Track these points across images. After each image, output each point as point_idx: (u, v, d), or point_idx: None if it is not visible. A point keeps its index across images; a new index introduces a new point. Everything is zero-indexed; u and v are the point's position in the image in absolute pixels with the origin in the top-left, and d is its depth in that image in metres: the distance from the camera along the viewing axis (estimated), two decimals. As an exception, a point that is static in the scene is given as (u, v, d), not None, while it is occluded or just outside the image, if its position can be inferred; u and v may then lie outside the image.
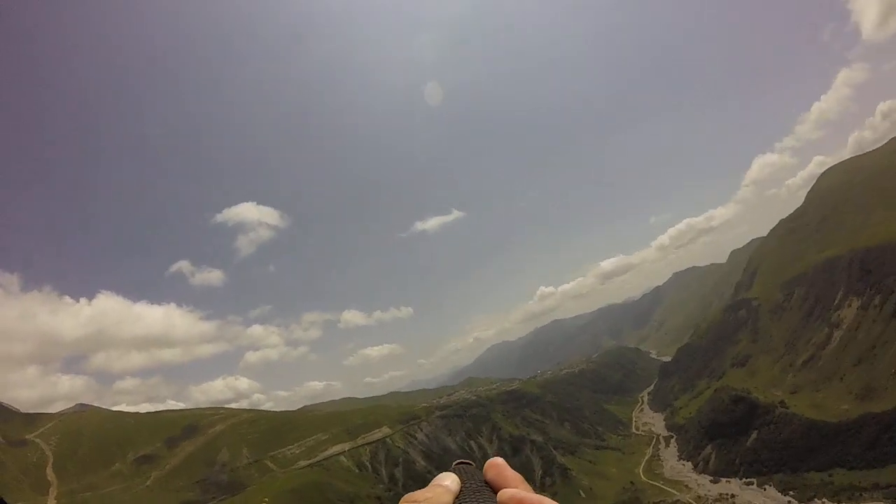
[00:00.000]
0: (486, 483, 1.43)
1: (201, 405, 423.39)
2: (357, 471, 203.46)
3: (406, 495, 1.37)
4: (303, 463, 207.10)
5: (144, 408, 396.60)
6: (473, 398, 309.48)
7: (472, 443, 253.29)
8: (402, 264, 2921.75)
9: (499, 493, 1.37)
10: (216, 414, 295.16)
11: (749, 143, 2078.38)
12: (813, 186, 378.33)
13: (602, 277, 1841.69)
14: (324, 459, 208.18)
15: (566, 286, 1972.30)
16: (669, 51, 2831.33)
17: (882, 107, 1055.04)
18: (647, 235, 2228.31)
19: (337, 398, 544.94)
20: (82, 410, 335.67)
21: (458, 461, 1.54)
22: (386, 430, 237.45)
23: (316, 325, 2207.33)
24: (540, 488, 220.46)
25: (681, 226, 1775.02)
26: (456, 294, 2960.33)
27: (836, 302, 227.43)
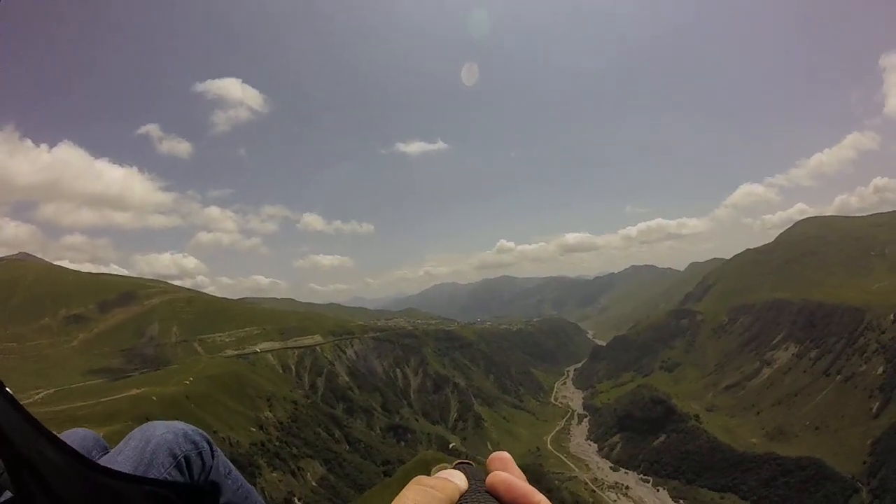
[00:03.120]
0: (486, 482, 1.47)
1: (144, 276, 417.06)
2: (281, 371, 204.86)
3: (417, 477, 1.43)
4: (230, 352, 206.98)
5: (87, 268, 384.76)
6: (410, 328, 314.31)
7: (398, 370, 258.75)
8: (375, 180, 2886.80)
9: (489, 476, 1.41)
10: (156, 287, 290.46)
11: (743, 167, 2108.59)
12: (788, 229, 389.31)
13: (563, 249, 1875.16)
14: (251, 353, 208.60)
15: (527, 247, 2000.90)
16: (703, 52, 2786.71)
17: (877, 181, 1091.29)
18: (618, 222, 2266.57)
19: (279, 297, 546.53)
20: (23, 259, 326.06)
21: (459, 461, 1.57)
22: (318, 338, 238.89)
23: (275, 219, 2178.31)
24: (451, 430, 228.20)
25: (652, 223, 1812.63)
26: (420, 224, 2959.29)
27: (775, 342, 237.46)
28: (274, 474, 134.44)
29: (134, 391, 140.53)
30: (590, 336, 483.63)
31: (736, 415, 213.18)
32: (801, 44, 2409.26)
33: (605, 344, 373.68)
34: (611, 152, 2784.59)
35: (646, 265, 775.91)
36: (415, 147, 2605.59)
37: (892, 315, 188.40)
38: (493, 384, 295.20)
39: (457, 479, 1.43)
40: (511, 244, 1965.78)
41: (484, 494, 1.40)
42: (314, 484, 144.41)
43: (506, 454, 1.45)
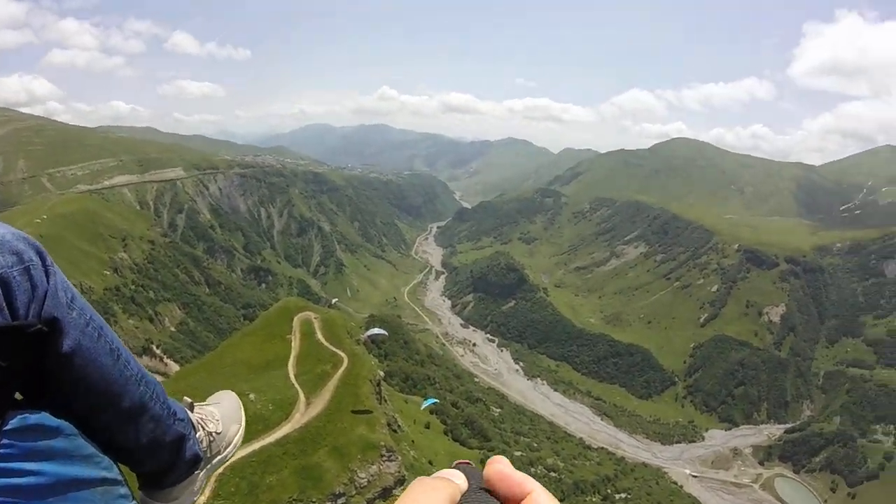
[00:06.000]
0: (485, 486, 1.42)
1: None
2: (138, 208, 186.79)
3: (418, 478, 1.36)
4: (82, 187, 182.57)
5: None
6: (278, 167, 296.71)
7: (262, 210, 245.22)
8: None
9: (485, 469, 1.40)
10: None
11: (640, 73, 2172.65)
12: (664, 142, 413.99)
13: (445, 107, 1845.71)
14: (106, 188, 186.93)
15: (409, 98, 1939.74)
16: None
17: (756, 128, 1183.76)
18: (507, 92, 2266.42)
19: (139, 126, 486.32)
20: None
21: (459, 462, 1.56)
22: (180, 172, 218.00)
23: (141, 37, 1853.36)
24: (312, 274, 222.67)
25: (539, 101, 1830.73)
26: (302, 55, 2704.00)
27: (628, 238, 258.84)
28: (130, 321, 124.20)
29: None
30: (457, 197, 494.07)
31: (580, 294, 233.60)
32: None
33: (470, 207, 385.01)
34: (517, 16, 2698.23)
35: (523, 140, 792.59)
36: None
37: (735, 245, 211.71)
38: (358, 232, 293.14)
39: (457, 479, 1.41)
40: (394, 92, 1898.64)
41: (482, 493, 1.40)
42: (173, 329, 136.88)
43: (503, 458, 1.46)
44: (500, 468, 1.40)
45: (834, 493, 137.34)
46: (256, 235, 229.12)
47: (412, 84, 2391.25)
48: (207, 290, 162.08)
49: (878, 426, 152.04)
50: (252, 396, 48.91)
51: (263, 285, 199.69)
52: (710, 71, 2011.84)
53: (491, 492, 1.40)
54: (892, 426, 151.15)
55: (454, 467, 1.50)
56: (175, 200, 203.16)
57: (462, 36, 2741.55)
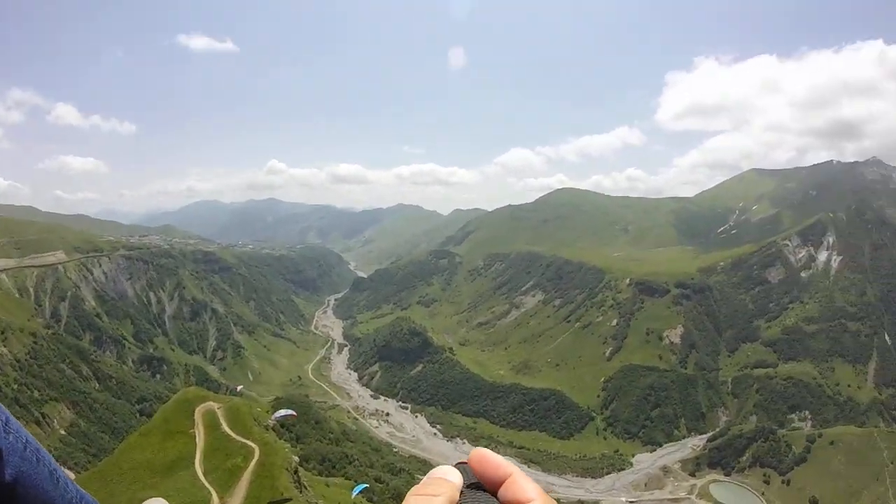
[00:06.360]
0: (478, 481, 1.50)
1: None
2: (17, 295, 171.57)
3: (412, 489, 1.43)
4: None
5: None
6: (166, 247, 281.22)
7: (151, 294, 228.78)
8: (147, 74, 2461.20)
9: (469, 455, 1.49)
10: None
11: (519, 133, 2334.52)
12: (548, 194, 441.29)
13: (335, 178, 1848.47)
14: None
15: (298, 170, 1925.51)
16: (514, 27, 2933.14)
17: (631, 171, 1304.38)
18: (394, 160, 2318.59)
19: (18, 204, 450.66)
20: None
21: (458, 462, 1.61)
22: (61, 255, 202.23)
23: (23, 107, 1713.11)
24: (209, 360, 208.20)
25: (426, 166, 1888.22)
26: (190, 131, 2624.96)
27: (525, 288, 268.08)
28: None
29: None
30: (352, 267, 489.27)
31: (486, 349, 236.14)
32: (606, 42, 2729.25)
33: (366, 276, 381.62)
34: (400, 92, 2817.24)
35: (413, 205, 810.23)
36: (199, 43, 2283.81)
37: (627, 279, 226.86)
38: (254, 311, 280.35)
39: (451, 476, 1.44)
40: (283, 165, 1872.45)
41: (472, 491, 1.45)
42: (63, 433, 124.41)
43: (485, 448, 1.54)
44: (481, 452, 1.49)
45: (768, 484, 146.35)
46: (147, 322, 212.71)
47: (301, 157, 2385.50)
48: (98, 385, 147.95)
49: (793, 415, 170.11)
50: None
51: (158, 376, 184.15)
52: (585, 124, 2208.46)
53: (484, 488, 1.46)
54: (806, 411, 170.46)
55: (455, 466, 1.54)
56: (57, 287, 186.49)
57: (348, 107, 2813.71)
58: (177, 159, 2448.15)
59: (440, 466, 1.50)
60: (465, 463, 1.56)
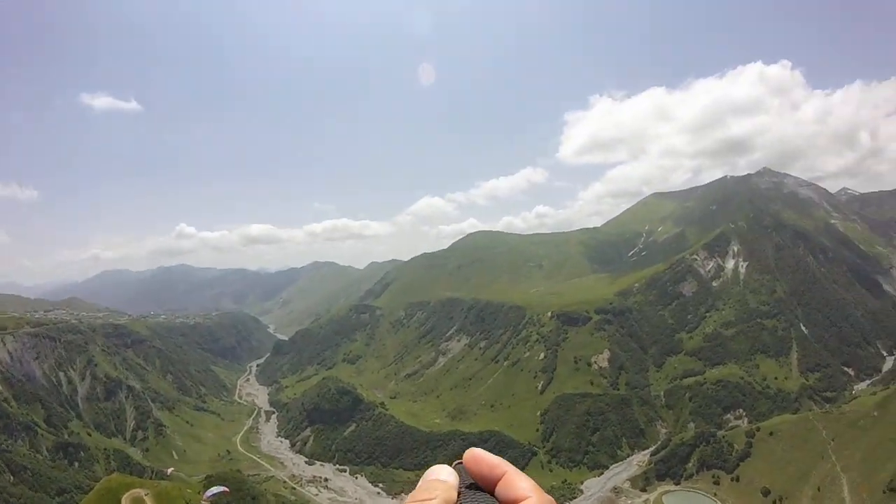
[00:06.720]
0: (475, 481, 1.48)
1: None
2: None
3: (409, 496, 1.41)
4: None
5: None
6: (74, 322, 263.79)
7: (61, 374, 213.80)
8: (48, 135, 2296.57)
9: (464, 455, 1.44)
10: None
11: (427, 182, 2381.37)
12: (461, 238, 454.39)
13: (246, 240, 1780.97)
14: None
15: (209, 234, 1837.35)
16: (412, 71, 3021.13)
17: (539, 208, 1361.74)
18: (304, 218, 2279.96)
19: None
20: None
21: (457, 462, 1.59)
22: None
23: None
24: (130, 442, 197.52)
25: (339, 222, 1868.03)
26: (94, 196, 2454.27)
27: (449, 334, 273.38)
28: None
29: None
30: (271, 330, 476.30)
31: (418, 399, 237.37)
32: (505, 89, 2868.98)
33: (287, 338, 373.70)
34: (308, 150, 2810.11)
35: (327, 262, 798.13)
36: (102, 102, 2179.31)
37: (548, 313, 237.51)
38: (172, 385, 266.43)
39: (445, 476, 1.44)
40: (192, 229, 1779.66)
41: (471, 491, 1.45)
42: None
43: (479, 449, 1.52)
44: (475, 452, 1.61)
45: (718, 485, 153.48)
46: (58, 405, 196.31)
47: (210, 219, 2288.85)
48: (12, 478, 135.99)
49: (728, 415, 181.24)
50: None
51: (76, 464, 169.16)
52: (491, 168, 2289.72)
53: (482, 488, 1.54)
54: (740, 410, 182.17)
55: (454, 467, 1.65)
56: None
57: (255, 167, 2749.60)
58: (80, 227, 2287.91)
59: (434, 466, 1.61)
60: (461, 463, 1.65)
